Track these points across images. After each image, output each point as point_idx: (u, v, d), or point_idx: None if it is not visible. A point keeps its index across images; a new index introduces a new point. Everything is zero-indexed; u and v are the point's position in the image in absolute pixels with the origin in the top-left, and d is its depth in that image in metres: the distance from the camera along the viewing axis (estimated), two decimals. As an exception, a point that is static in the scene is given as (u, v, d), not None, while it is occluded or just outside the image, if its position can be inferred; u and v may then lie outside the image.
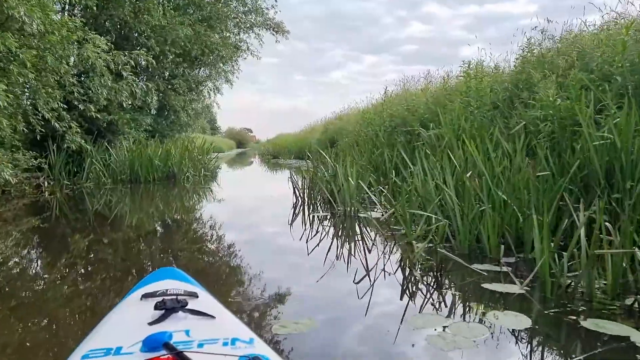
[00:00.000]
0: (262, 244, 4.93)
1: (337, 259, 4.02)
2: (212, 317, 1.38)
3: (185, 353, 1.08)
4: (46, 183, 8.86)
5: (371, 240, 4.67)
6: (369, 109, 15.02)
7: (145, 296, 1.52)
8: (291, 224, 5.80)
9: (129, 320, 1.41)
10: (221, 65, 15.84)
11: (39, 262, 4.37)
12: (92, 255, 4.49)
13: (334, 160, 6.49)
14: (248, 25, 15.83)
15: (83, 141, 8.39)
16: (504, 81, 6.32)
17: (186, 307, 1.40)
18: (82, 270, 3.89)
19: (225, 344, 1.20)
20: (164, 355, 1.10)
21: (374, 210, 5.74)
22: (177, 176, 10.97)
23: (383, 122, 10.96)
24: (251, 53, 16.86)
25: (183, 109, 14.38)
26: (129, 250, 4.73)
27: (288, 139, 34.65)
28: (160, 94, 13.72)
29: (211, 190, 10.17)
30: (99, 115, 9.14)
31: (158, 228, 6.09)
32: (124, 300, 1.62)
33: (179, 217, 6.84)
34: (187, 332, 1.26)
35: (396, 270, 3.50)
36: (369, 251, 4.19)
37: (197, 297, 1.53)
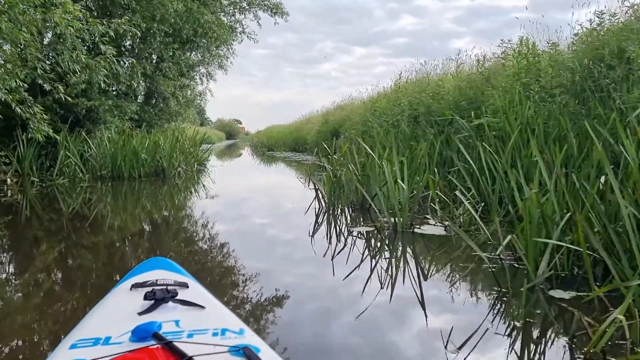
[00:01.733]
0: (277, 261, 3.69)
1: (382, 288, 2.87)
2: (202, 307, 1.35)
3: (174, 343, 1.07)
4: (9, 180, 7.46)
5: (448, 269, 3.39)
6: (376, 97, 13.76)
7: (135, 286, 1.49)
8: (312, 236, 4.54)
9: (118, 310, 1.37)
10: (214, 48, 14.44)
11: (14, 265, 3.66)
12: (68, 263, 3.59)
13: (377, 155, 5.10)
14: (245, 4, 14.44)
15: (51, 130, 6.92)
16: (581, 57, 5.04)
17: (176, 298, 1.36)
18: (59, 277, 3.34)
19: (215, 334, 1.18)
20: (153, 345, 1.07)
21: (427, 223, 4.43)
22: (167, 171, 9.57)
23: (401, 111, 9.70)
24: (247, 36, 15.49)
25: (173, 95, 12.94)
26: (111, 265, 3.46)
27: (281, 130, 33.40)
28: (148, 79, 12.32)
29: (205, 187, 8.81)
30: (69, 98, 7.71)
31: (146, 235, 4.78)
32: (114, 290, 1.56)
33: (170, 221, 5.53)
34: (176, 323, 1.23)
35: (547, 342, 2.17)
36: (448, 288, 2.93)
37: (187, 287, 1.50)
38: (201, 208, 6.43)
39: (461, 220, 4.18)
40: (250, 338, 1.18)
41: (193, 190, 8.47)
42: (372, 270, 3.31)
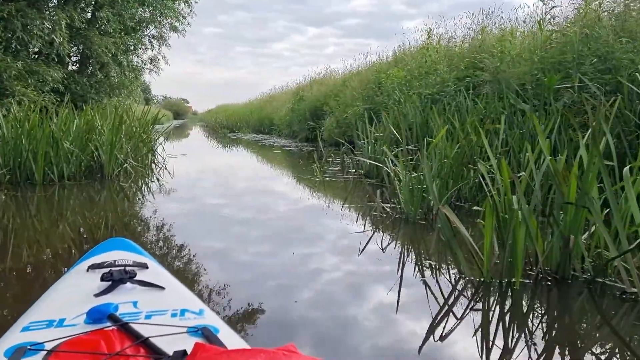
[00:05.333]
0: None
1: None
2: (162, 288, 1.29)
3: (131, 324, 1.02)
4: None
5: None
6: (378, 67, 11.02)
7: (92, 267, 1.43)
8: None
9: (73, 292, 1.30)
10: (168, 3, 11.21)
11: None
12: None
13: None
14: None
15: None
16: None
17: (134, 278, 1.30)
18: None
19: (174, 315, 1.13)
20: (109, 327, 1.01)
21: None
22: (106, 169, 6.40)
23: (442, 80, 7.00)
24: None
25: (115, 60, 9.63)
26: None
27: (237, 109, 30.19)
28: (80, 37, 9.02)
29: (164, 188, 5.80)
30: None
31: None
32: (70, 272, 1.48)
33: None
34: (134, 304, 1.18)
35: None
36: None
37: (147, 268, 1.44)
38: (173, 232, 3.50)
39: None
40: (210, 318, 1.13)
41: (152, 200, 5.46)
42: None
